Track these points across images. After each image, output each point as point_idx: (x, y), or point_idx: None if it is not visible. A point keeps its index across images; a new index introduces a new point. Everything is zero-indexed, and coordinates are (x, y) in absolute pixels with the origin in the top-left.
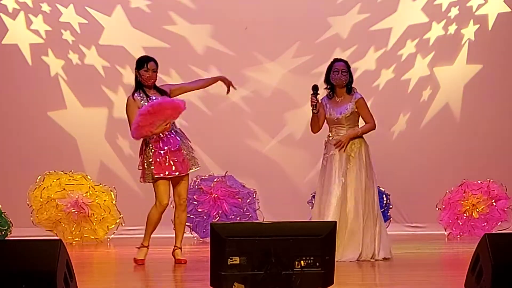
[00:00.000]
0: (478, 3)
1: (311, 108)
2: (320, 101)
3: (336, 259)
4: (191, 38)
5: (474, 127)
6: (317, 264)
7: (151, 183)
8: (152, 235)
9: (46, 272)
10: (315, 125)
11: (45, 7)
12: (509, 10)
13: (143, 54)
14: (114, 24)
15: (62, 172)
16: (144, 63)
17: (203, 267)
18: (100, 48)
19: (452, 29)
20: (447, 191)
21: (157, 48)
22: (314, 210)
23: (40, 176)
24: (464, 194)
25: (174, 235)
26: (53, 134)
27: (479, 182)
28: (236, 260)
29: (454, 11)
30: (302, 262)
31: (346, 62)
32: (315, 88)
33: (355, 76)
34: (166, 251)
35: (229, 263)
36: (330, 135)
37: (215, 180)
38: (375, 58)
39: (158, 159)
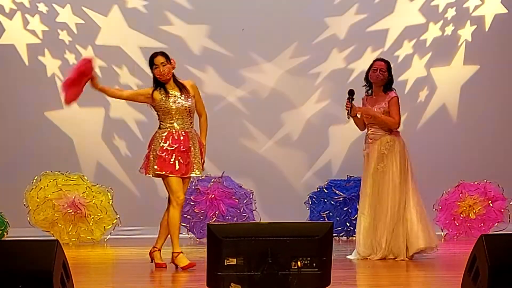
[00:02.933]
0: (475, 4)
1: (346, 112)
2: (354, 105)
3: (367, 256)
4: (187, 38)
5: (471, 127)
6: (314, 264)
7: (151, 176)
8: (150, 236)
9: (43, 272)
10: (358, 125)
11: (42, 7)
12: (506, 11)
13: (140, 54)
14: (110, 24)
15: (58, 173)
16: (152, 60)
17: (199, 268)
18: (97, 48)
19: (449, 30)
20: (444, 192)
21: (153, 48)
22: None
23: (36, 177)
24: (460, 195)
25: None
26: (49, 134)
27: (475, 183)
28: (232, 261)
29: (451, 12)
30: (299, 262)
31: (387, 62)
32: (351, 93)
33: (352, 77)
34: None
35: (225, 264)
36: (368, 133)
37: (212, 180)
38: (372, 59)
39: (164, 154)
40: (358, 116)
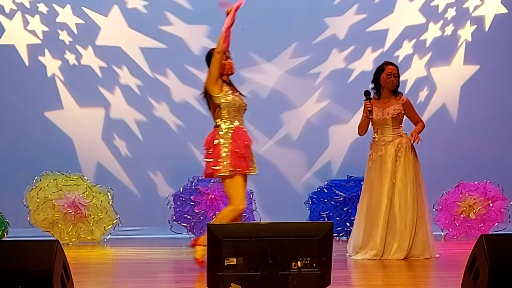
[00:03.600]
0: (475, 4)
1: (365, 114)
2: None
3: (384, 257)
4: (187, 38)
5: (471, 128)
6: (314, 265)
7: (226, 175)
8: (149, 236)
9: (43, 272)
10: (364, 129)
11: (42, 8)
12: (506, 11)
13: (140, 54)
14: (110, 25)
15: (58, 173)
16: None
17: (199, 268)
18: (97, 48)
19: (449, 30)
20: (444, 192)
21: (153, 48)
22: (360, 211)
23: (36, 177)
24: (460, 195)
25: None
26: (50, 135)
27: (475, 183)
28: (232, 261)
29: (451, 12)
30: (299, 263)
31: (397, 66)
32: (368, 94)
33: (352, 77)
34: (162, 252)
35: (225, 264)
36: (376, 136)
37: (212, 180)
38: (372, 59)
39: (237, 150)
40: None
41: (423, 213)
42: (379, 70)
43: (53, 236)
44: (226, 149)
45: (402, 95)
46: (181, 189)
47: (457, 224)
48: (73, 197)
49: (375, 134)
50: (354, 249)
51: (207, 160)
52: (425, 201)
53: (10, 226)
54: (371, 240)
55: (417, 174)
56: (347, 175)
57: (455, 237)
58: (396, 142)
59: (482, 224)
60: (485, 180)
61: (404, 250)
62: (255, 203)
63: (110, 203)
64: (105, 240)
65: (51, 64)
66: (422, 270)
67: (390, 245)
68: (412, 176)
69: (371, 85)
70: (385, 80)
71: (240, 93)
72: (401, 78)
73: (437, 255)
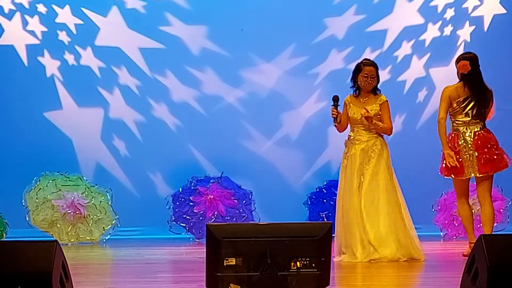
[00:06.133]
0: (474, 5)
1: (332, 119)
2: (340, 112)
3: (361, 259)
4: (186, 39)
5: None
6: (313, 265)
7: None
8: (149, 236)
9: (42, 273)
10: (340, 129)
11: (41, 8)
12: (504, 11)
13: (139, 55)
14: (110, 25)
15: (58, 173)
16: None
17: (199, 268)
18: (96, 49)
19: (448, 30)
20: (443, 192)
21: (152, 49)
22: (337, 210)
23: (36, 177)
24: None
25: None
26: (49, 135)
27: (474, 183)
28: (232, 261)
29: (450, 13)
30: (298, 263)
31: (375, 66)
32: (336, 100)
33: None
34: (162, 252)
35: (225, 264)
36: (351, 134)
37: (211, 181)
38: (371, 59)
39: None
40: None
41: (400, 215)
42: (357, 70)
43: (52, 237)
44: None
45: (382, 93)
46: (180, 189)
47: (456, 225)
48: (72, 198)
49: (351, 132)
50: (338, 250)
51: None
52: (401, 204)
53: (9, 226)
54: (350, 242)
55: (391, 177)
56: None
57: (454, 237)
58: (370, 143)
59: (481, 225)
60: None
61: (381, 252)
62: (254, 203)
63: (109, 203)
64: (104, 240)
65: (50, 65)
66: (421, 270)
67: (364, 247)
68: (384, 178)
69: (351, 84)
70: (361, 82)
71: None
72: (400, 78)
73: (423, 259)
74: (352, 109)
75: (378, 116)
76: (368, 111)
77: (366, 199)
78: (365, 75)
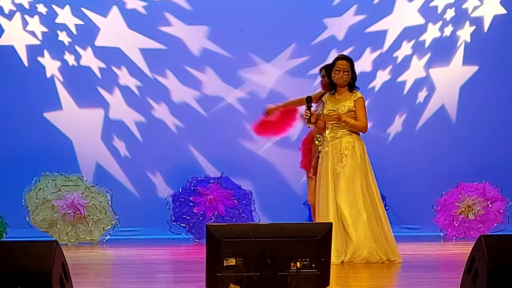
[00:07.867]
0: (474, 5)
1: (306, 120)
2: (314, 113)
3: (342, 259)
4: (187, 39)
5: (470, 128)
6: (313, 265)
7: None
8: (149, 236)
9: (42, 273)
10: (317, 129)
11: (41, 8)
12: (505, 12)
13: (139, 55)
14: (110, 25)
15: (58, 173)
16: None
17: (198, 269)
18: (96, 49)
19: (448, 30)
20: (443, 193)
21: (153, 49)
22: (317, 212)
23: (35, 177)
24: (459, 195)
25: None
26: (49, 135)
27: (475, 183)
28: (231, 262)
29: (450, 13)
30: (297, 263)
31: (349, 60)
32: (308, 100)
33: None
34: (161, 252)
35: (224, 264)
36: (326, 131)
37: (211, 181)
38: (371, 60)
39: None
40: (317, 121)
41: (378, 216)
42: (331, 66)
43: (52, 237)
44: None
45: (357, 90)
46: (180, 189)
47: (456, 225)
48: (72, 198)
49: (326, 129)
50: None
51: None
52: (378, 203)
53: (9, 226)
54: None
55: (367, 176)
56: None
57: (454, 237)
58: (343, 140)
59: (481, 225)
60: (484, 181)
61: (357, 253)
62: (254, 204)
63: (109, 203)
64: (104, 240)
65: (50, 65)
66: (421, 270)
67: (336, 247)
68: (359, 178)
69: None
70: (334, 77)
71: None
72: (400, 79)
73: (400, 261)
74: (327, 107)
75: (352, 113)
76: (334, 110)
77: (345, 204)
78: (338, 69)
